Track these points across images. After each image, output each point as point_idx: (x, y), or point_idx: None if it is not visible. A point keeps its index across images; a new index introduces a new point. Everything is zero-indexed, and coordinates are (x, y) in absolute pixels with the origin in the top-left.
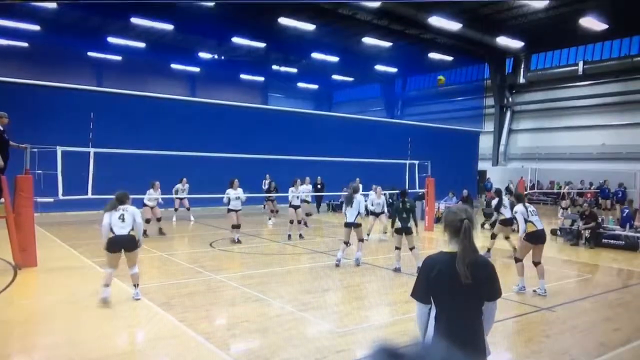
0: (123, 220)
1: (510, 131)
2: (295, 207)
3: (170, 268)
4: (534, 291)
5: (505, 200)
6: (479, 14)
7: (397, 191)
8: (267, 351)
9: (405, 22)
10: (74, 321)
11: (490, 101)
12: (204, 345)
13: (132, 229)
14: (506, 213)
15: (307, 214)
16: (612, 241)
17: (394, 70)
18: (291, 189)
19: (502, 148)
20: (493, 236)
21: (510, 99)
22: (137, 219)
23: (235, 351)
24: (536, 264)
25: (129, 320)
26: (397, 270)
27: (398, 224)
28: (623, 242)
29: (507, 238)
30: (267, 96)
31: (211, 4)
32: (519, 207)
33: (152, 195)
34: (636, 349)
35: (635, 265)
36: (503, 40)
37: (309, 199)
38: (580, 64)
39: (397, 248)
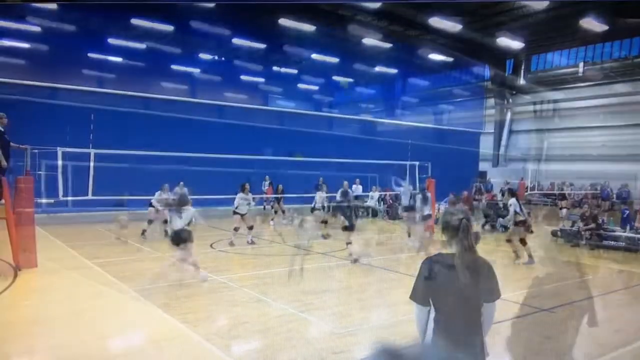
0: (181, 217)
1: (510, 132)
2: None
3: (170, 269)
4: None
5: (513, 200)
6: (479, 15)
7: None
8: (268, 352)
9: (405, 23)
10: (75, 322)
11: (490, 102)
12: (204, 346)
13: (188, 224)
14: (518, 213)
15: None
16: (612, 242)
17: (394, 71)
18: (318, 192)
19: (502, 149)
20: (509, 241)
21: (510, 100)
22: (196, 217)
23: (235, 352)
24: None
25: (130, 322)
26: (356, 261)
27: (345, 223)
28: (623, 244)
29: (523, 242)
30: (267, 97)
31: (211, 4)
32: None
33: (163, 197)
34: (636, 350)
35: (636, 266)
36: (503, 42)
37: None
38: (581, 65)
39: (349, 243)
